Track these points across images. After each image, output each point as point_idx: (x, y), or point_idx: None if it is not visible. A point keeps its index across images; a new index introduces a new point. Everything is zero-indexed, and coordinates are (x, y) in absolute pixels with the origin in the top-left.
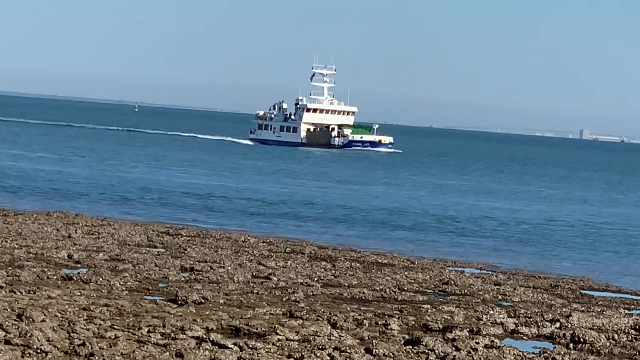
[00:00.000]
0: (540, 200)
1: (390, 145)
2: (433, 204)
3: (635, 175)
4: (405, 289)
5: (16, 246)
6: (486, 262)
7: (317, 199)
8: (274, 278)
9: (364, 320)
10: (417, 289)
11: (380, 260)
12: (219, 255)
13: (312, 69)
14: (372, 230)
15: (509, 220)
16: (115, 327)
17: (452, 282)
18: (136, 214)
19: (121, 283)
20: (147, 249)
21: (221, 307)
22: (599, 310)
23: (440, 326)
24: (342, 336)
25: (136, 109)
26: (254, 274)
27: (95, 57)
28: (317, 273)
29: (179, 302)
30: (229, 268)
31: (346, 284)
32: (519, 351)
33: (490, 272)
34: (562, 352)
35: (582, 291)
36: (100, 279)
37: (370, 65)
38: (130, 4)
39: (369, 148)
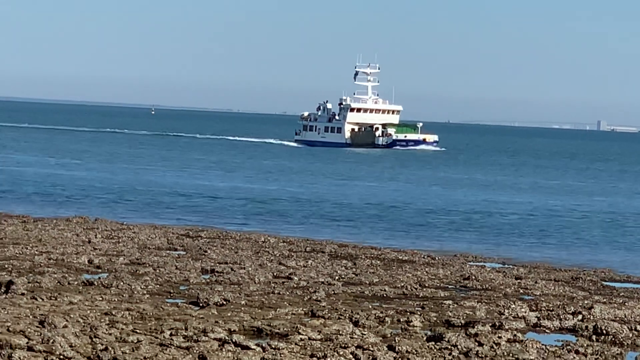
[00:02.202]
0: (561, 193)
1: (435, 144)
2: (456, 200)
3: None
4: (427, 285)
5: (36, 252)
6: (507, 257)
7: (349, 199)
8: (295, 278)
9: (386, 318)
10: (438, 285)
11: (400, 257)
12: (240, 256)
13: (356, 68)
14: (409, 231)
15: (528, 213)
16: (138, 331)
17: (473, 277)
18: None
19: (142, 287)
20: (168, 251)
21: (243, 308)
22: (621, 301)
23: (463, 322)
24: (365, 334)
25: (152, 112)
26: (275, 274)
27: (107, 60)
28: (338, 272)
29: (201, 304)
30: (250, 269)
31: (367, 282)
32: (542, 344)
33: (511, 266)
34: (585, 345)
35: (603, 283)
36: (121, 283)
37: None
38: (142, 6)
39: (414, 147)
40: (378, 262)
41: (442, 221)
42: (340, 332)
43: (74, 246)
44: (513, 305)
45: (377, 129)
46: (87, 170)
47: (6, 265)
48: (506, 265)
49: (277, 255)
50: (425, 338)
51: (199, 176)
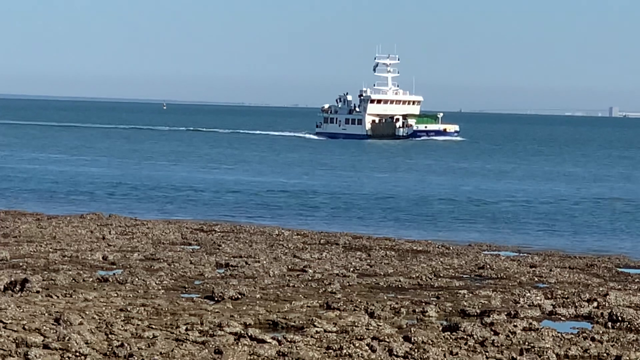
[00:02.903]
0: (574, 180)
1: (455, 134)
2: (460, 189)
3: None
4: (441, 275)
5: (51, 250)
6: (521, 245)
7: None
8: (310, 270)
9: (401, 309)
10: (453, 274)
11: (415, 248)
12: (254, 249)
13: (375, 59)
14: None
15: (543, 201)
16: (153, 326)
17: (488, 266)
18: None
19: (157, 282)
20: (182, 246)
21: (258, 302)
22: (636, 287)
23: (478, 311)
24: (380, 325)
25: (164, 107)
26: (290, 267)
27: (116, 57)
28: (353, 263)
29: (216, 298)
30: (264, 262)
31: (382, 273)
32: (558, 332)
33: (525, 254)
34: (601, 332)
35: (618, 269)
36: (136, 279)
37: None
38: (151, 2)
39: (434, 137)
40: (392, 253)
41: (455, 210)
42: (356, 324)
43: (88, 243)
44: (528, 294)
45: (397, 120)
46: (109, 167)
47: (21, 263)
48: (521, 254)
49: (292, 248)
50: (440, 328)
51: (232, 171)
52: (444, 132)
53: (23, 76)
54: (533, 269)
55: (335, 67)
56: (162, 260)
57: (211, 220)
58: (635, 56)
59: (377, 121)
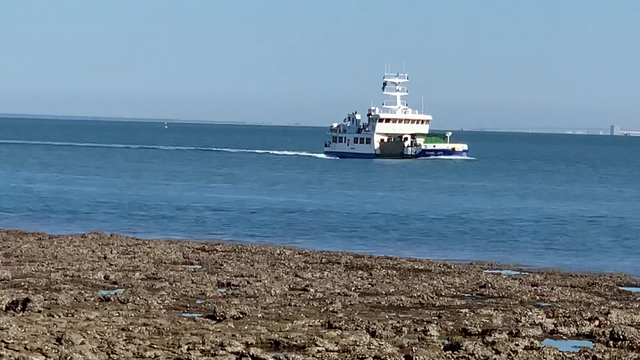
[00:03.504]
0: (574, 199)
1: (464, 153)
2: (461, 207)
3: None
4: (443, 294)
5: (52, 269)
6: (522, 263)
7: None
8: (311, 289)
9: (403, 328)
10: (454, 293)
11: (416, 267)
12: (255, 269)
13: (384, 77)
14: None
15: (542, 220)
16: (155, 346)
17: (489, 285)
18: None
19: (159, 302)
20: (183, 266)
21: (260, 321)
22: (638, 306)
23: (480, 330)
24: (382, 344)
25: (166, 126)
26: (291, 286)
27: (116, 77)
28: (354, 282)
29: (218, 318)
30: (266, 281)
31: (383, 292)
32: (559, 351)
33: (526, 273)
34: (602, 350)
35: (619, 288)
36: (138, 298)
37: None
38: (151, 22)
39: (443, 157)
40: (394, 271)
41: (456, 229)
42: (358, 343)
43: (89, 262)
44: (529, 313)
45: (405, 139)
46: (111, 186)
47: (22, 283)
48: (522, 272)
49: (293, 267)
50: (442, 347)
51: (243, 190)
52: (452, 152)
53: (23, 95)
54: (534, 287)
55: (337, 86)
56: (163, 280)
57: (213, 240)
58: (637, 74)
59: (385, 140)
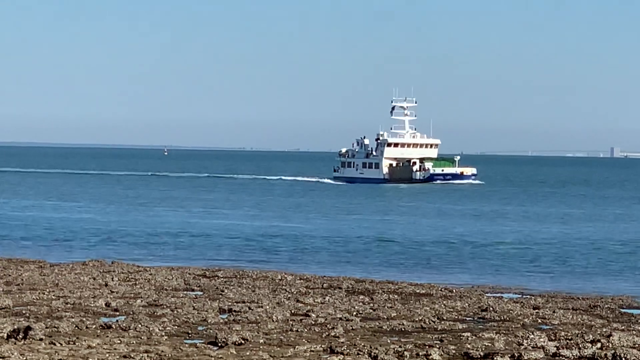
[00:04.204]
0: (575, 222)
1: (473, 177)
2: (461, 231)
3: None
4: (445, 318)
5: (54, 297)
6: (524, 287)
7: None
8: (313, 315)
9: (405, 352)
10: (456, 317)
11: (418, 291)
12: (257, 294)
13: (392, 102)
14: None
15: (546, 243)
16: None
17: (491, 309)
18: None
19: (160, 328)
20: (185, 292)
21: (261, 347)
22: None
23: (482, 353)
24: None
25: (166, 153)
26: (293, 311)
27: (114, 103)
28: (356, 307)
29: (219, 344)
30: (267, 307)
31: (385, 317)
32: None
33: (528, 296)
34: None
35: (621, 310)
36: (139, 325)
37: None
38: (150, 50)
39: (451, 181)
40: (395, 296)
41: (457, 253)
42: None
43: (91, 290)
44: (532, 336)
45: (414, 163)
46: (111, 213)
47: (24, 311)
48: (524, 296)
49: (294, 292)
50: None
51: (252, 217)
52: (461, 175)
53: (20, 124)
54: (536, 310)
55: (330, 110)
56: (165, 307)
57: (214, 266)
58: (636, 97)
59: (394, 165)
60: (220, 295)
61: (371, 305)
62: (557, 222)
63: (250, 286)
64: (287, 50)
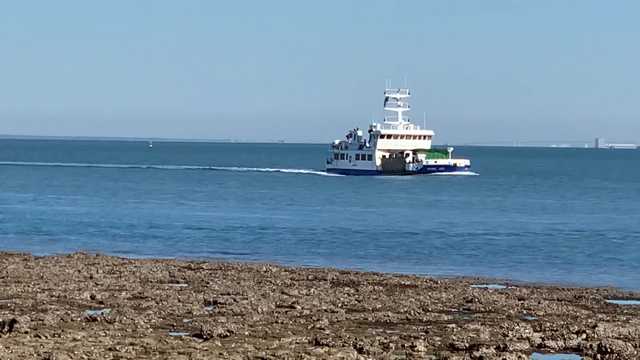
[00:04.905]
0: (561, 212)
1: (466, 168)
2: (447, 222)
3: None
4: (430, 309)
5: (38, 290)
6: (509, 278)
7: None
8: (298, 306)
9: (390, 344)
10: (441, 308)
11: (403, 282)
12: (242, 286)
13: (385, 93)
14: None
15: (528, 234)
16: None
17: (476, 300)
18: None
19: (145, 321)
20: (170, 284)
21: (247, 339)
22: (625, 319)
23: (467, 345)
24: None
25: (151, 145)
26: (278, 303)
27: (100, 96)
28: (341, 299)
29: (204, 336)
30: (253, 299)
31: (370, 308)
32: None
33: (513, 287)
34: None
35: (606, 301)
36: (124, 318)
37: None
38: (134, 40)
39: (445, 172)
40: (380, 287)
41: (443, 244)
42: None
43: (76, 282)
44: (517, 327)
45: (407, 155)
46: (97, 205)
47: (9, 304)
48: (509, 287)
49: (280, 284)
50: None
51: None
52: (454, 167)
53: (5, 116)
54: (521, 301)
55: (314, 101)
56: (150, 299)
57: (199, 258)
58: (621, 87)
59: (387, 156)
60: (205, 287)
61: (356, 296)
62: (542, 213)
63: (235, 278)
64: (273, 42)
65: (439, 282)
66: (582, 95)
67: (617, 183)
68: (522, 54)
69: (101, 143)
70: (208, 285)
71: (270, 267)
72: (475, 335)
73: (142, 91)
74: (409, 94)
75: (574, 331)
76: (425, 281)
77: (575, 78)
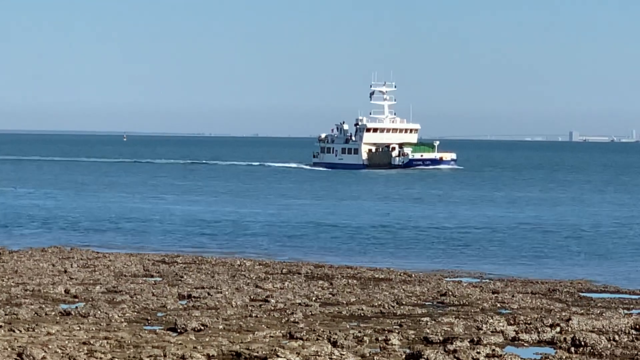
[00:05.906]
0: (532, 205)
1: (452, 162)
2: (421, 216)
3: (626, 174)
4: (404, 303)
5: (13, 284)
6: (483, 271)
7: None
8: (272, 300)
9: (364, 337)
10: (415, 302)
11: (377, 276)
12: (216, 280)
13: (371, 86)
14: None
15: (504, 227)
16: (116, 359)
17: (450, 293)
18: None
19: (120, 315)
20: (144, 278)
21: (221, 333)
22: (599, 312)
23: (441, 338)
24: (343, 354)
25: (125, 139)
26: (252, 297)
27: (73, 89)
28: (315, 292)
29: (179, 330)
30: (227, 293)
31: (344, 302)
32: (521, 358)
33: (487, 280)
34: (564, 357)
35: (580, 294)
36: (99, 312)
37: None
38: (109, 34)
39: (430, 166)
40: (354, 281)
41: (417, 237)
42: (319, 353)
43: (50, 276)
44: (491, 320)
45: (393, 149)
46: (69, 199)
47: None
48: (483, 280)
49: (254, 278)
50: (404, 356)
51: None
52: (440, 161)
53: None
54: (495, 295)
55: (291, 94)
56: (124, 293)
57: (173, 252)
58: (595, 81)
59: (373, 150)
60: (180, 281)
61: (330, 290)
62: (512, 206)
63: (209, 272)
64: (250, 35)
65: (413, 275)
66: (556, 88)
67: (590, 175)
68: (497, 48)
69: (74, 137)
70: (182, 279)
71: (245, 261)
72: (449, 329)
73: (116, 86)
74: (395, 87)
75: (548, 324)
76: (400, 275)
77: (550, 71)
